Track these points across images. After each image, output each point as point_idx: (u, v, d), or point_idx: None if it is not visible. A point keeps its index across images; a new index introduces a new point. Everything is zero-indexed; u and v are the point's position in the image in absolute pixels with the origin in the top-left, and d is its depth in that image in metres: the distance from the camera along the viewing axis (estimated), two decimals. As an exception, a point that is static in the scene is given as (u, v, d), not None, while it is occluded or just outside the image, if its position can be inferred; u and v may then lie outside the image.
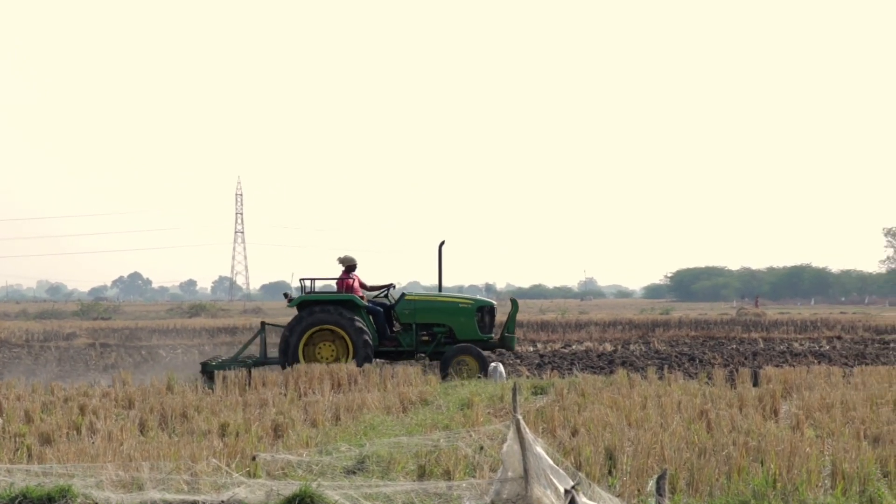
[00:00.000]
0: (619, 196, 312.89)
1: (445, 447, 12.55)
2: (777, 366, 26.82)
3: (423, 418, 16.69)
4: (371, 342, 24.62)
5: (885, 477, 11.93)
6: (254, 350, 26.19)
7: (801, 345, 39.05)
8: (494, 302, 26.24)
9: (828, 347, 37.23)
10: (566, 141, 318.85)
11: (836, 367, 23.88)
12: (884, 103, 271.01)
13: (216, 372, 23.62)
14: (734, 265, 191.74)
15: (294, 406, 17.70)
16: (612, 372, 25.06)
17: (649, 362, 28.97)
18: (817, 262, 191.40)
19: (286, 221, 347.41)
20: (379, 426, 15.92)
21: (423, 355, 25.64)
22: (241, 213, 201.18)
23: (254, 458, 12.28)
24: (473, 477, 11.85)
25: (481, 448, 12.74)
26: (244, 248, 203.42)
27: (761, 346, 38.42)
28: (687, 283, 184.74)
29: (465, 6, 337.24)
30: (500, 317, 27.61)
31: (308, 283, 25.40)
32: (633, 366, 28.11)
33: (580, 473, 10.78)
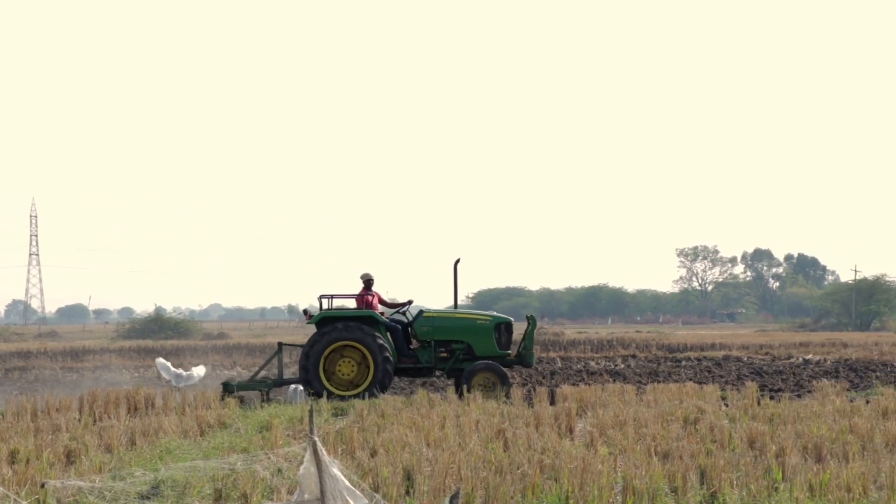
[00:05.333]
0: (418, 216, 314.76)
1: (242, 470, 12.43)
2: (574, 384, 27.37)
3: (220, 441, 16.50)
4: (391, 359, 24.31)
5: (673, 492, 12.26)
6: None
7: (598, 363, 39.87)
8: (512, 319, 26.09)
9: (623, 366, 38.07)
10: (377, 161, 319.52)
11: (629, 385, 24.44)
12: (673, 129, 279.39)
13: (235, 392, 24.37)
14: (534, 285, 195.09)
15: (88, 431, 17.30)
16: (412, 392, 25.21)
17: (449, 383, 29.19)
18: (614, 283, 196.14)
19: (82, 244, 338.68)
20: (175, 450, 15.67)
21: (441, 372, 25.47)
22: (36, 236, 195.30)
23: (43, 486, 11.92)
24: (271, 500, 11.78)
25: (279, 470, 12.65)
26: (39, 271, 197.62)
27: (559, 365, 39.09)
28: (488, 303, 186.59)
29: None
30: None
31: (326, 300, 25.04)
32: (434, 386, 28.31)
33: (377, 494, 10.80)
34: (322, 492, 9.82)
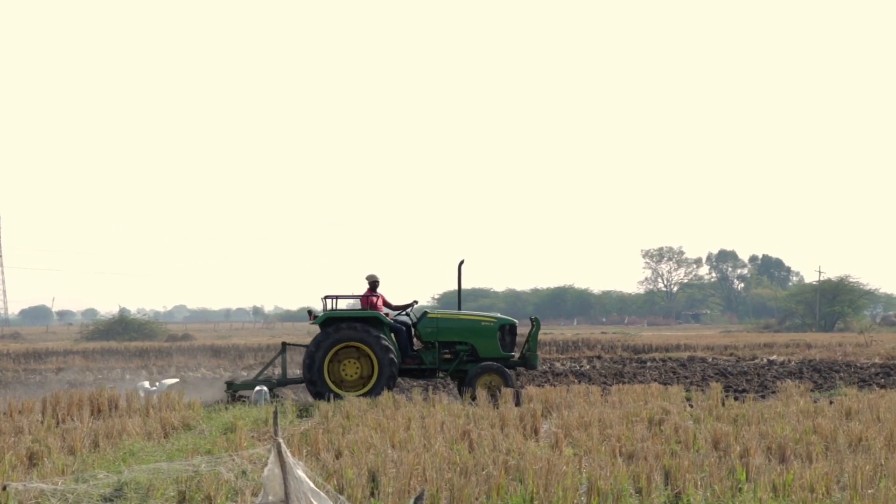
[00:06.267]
0: (385, 216, 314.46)
1: (206, 472, 12.37)
2: (539, 385, 27.43)
3: (184, 443, 16.44)
4: (396, 360, 24.25)
5: (637, 493, 12.28)
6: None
7: (563, 364, 39.93)
8: (516, 321, 26.00)
9: (588, 367, 38.14)
10: (357, 163, 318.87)
11: (595, 386, 24.46)
12: (639, 131, 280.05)
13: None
14: (500, 287, 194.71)
15: (51, 433, 17.20)
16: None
17: (414, 384, 29.18)
18: (579, 284, 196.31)
19: (45, 245, 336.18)
20: (139, 452, 15.61)
21: (444, 373, 25.41)
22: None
23: (4, 488, 11.83)
24: (235, 502, 11.76)
25: (244, 472, 12.60)
26: (2, 272, 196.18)
27: (525, 366, 39.04)
28: (454, 305, 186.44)
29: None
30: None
31: (330, 301, 24.90)
32: (399, 388, 28.29)
33: (341, 496, 10.77)
34: (286, 493, 9.79)
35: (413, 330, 25.51)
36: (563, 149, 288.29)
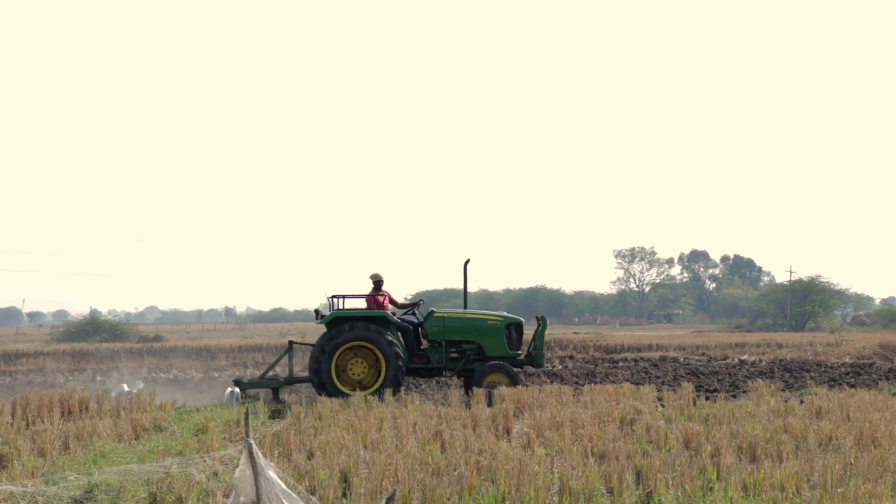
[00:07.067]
0: (359, 217, 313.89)
1: (178, 473, 12.33)
2: (511, 385, 27.37)
3: (155, 445, 16.39)
4: (403, 359, 24.20)
5: (609, 493, 12.30)
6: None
7: (536, 365, 39.90)
8: (522, 319, 25.96)
9: (560, 367, 38.13)
10: (311, 162, 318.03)
11: (567, 387, 24.45)
12: (610, 131, 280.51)
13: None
14: (472, 287, 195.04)
15: (21, 435, 17.11)
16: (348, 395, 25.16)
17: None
18: (552, 284, 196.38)
19: (15, 245, 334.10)
20: (110, 454, 15.55)
21: (451, 372, 25.35)
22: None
23: (-26, 491, 11.78)
24: (206, 503, 11.71)
25: (215, 474, 12.59)
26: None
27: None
28: (427, 305, 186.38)
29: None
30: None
31: (336, 300, 24.83)
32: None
33: (313, 497, 10.76)
34: (258, 495, 9.77)
35: (420, 329, 25.52)
36: (535, 150, 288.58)
